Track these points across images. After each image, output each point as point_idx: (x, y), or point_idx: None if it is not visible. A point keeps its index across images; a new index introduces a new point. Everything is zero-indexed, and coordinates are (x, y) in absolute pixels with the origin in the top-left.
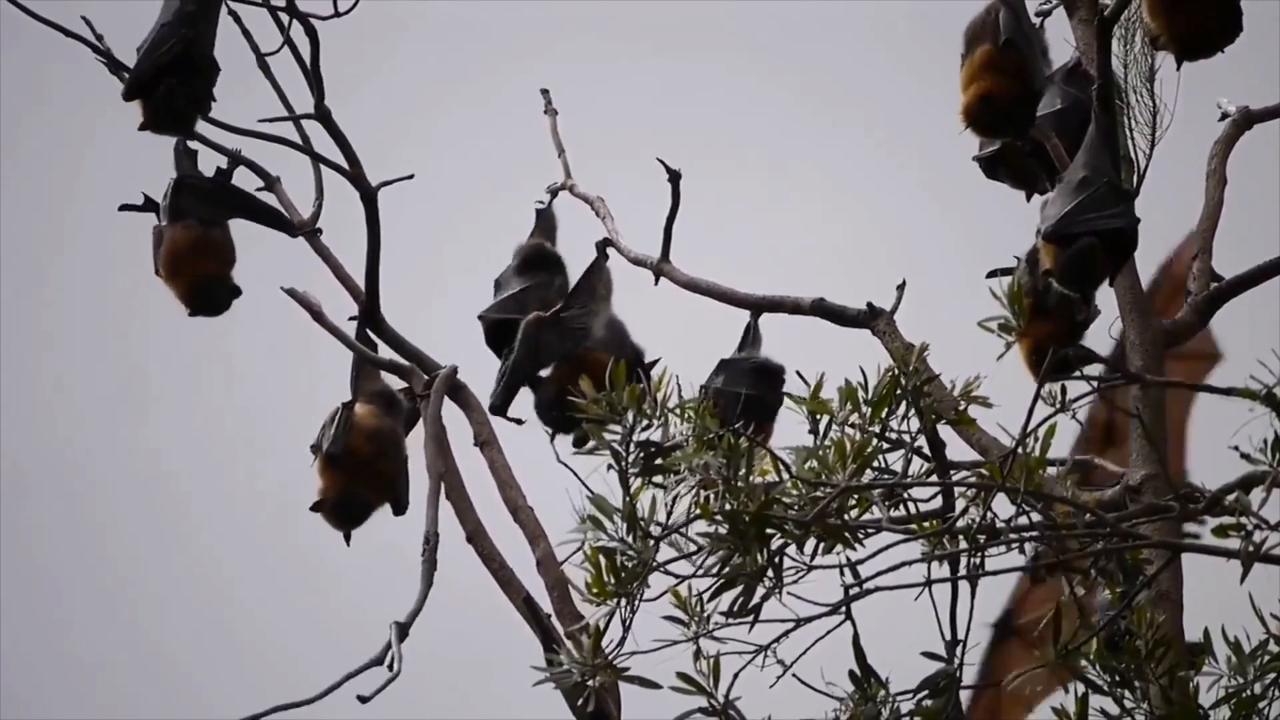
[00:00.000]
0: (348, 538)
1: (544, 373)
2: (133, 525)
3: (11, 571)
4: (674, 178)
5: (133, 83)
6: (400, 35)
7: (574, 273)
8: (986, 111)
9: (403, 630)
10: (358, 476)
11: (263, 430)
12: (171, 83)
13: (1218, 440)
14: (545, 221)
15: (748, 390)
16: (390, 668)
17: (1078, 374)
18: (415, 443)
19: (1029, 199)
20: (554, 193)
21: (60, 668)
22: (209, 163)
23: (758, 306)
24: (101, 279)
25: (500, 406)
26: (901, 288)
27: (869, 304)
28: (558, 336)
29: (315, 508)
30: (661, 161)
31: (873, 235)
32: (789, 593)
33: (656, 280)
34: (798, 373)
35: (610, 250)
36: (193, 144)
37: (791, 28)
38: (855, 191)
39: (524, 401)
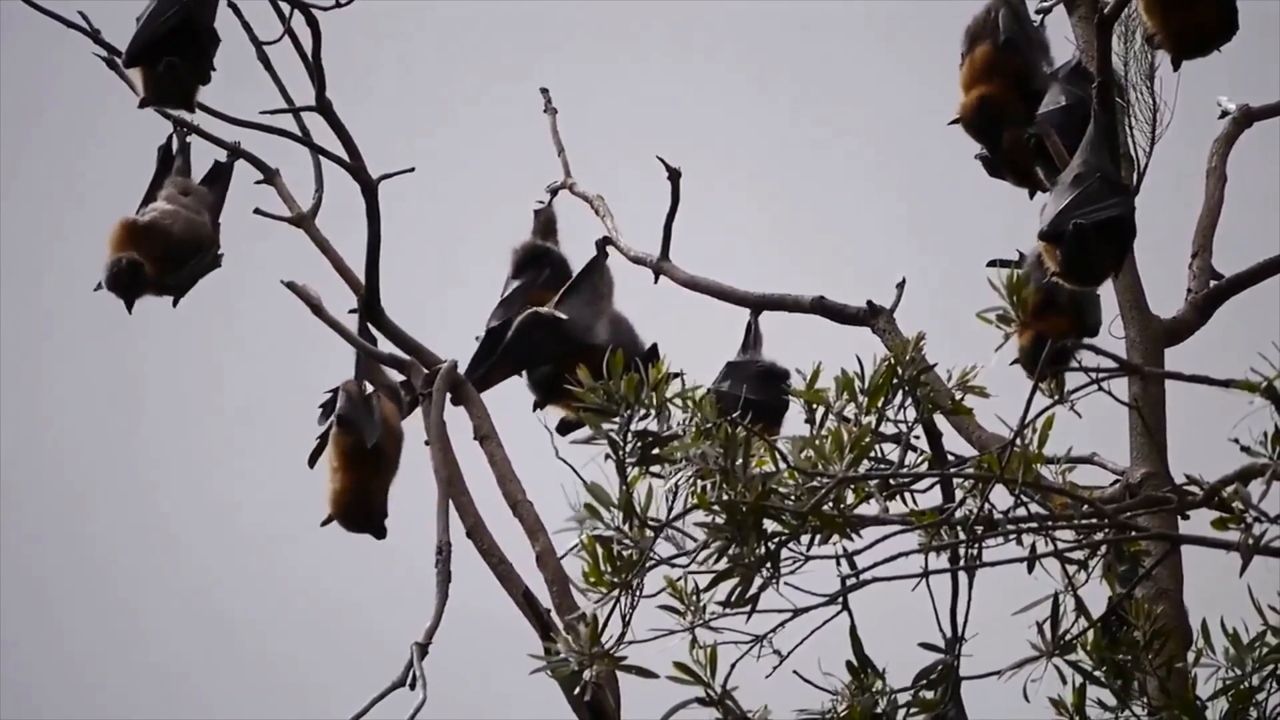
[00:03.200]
0: (327, 521)
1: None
2: (130, 525)
3: (10, 573)
4: (674, 176)
5: (133, 50)
6: (400, 28)
7: (573, 267)
8: (984, 116)
9: (423, 650)
10: (377, 475)
11: (263, 424)
12: (171, 60)
13: (1217, 433)
14: (542, 221)
15: (754, 394)
16: (412, 688)
17: (1076, 366)
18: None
19: (1031, 197)
20: (553, 192)
21: (58, 672)
22: (207, 155)
23: (758, 305)
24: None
25: (478, 385)
26: (901, 285)
27: (869, 302)
28: (549, 335)
29: (339, 502)
30: (661, 160)
31: (873, 234)
32: (786, 583)
33: (656, 278)
34: (797, 370)
35: (610, 249)
36: (190, 139)
37: (791, 28)
38: (856, 190)
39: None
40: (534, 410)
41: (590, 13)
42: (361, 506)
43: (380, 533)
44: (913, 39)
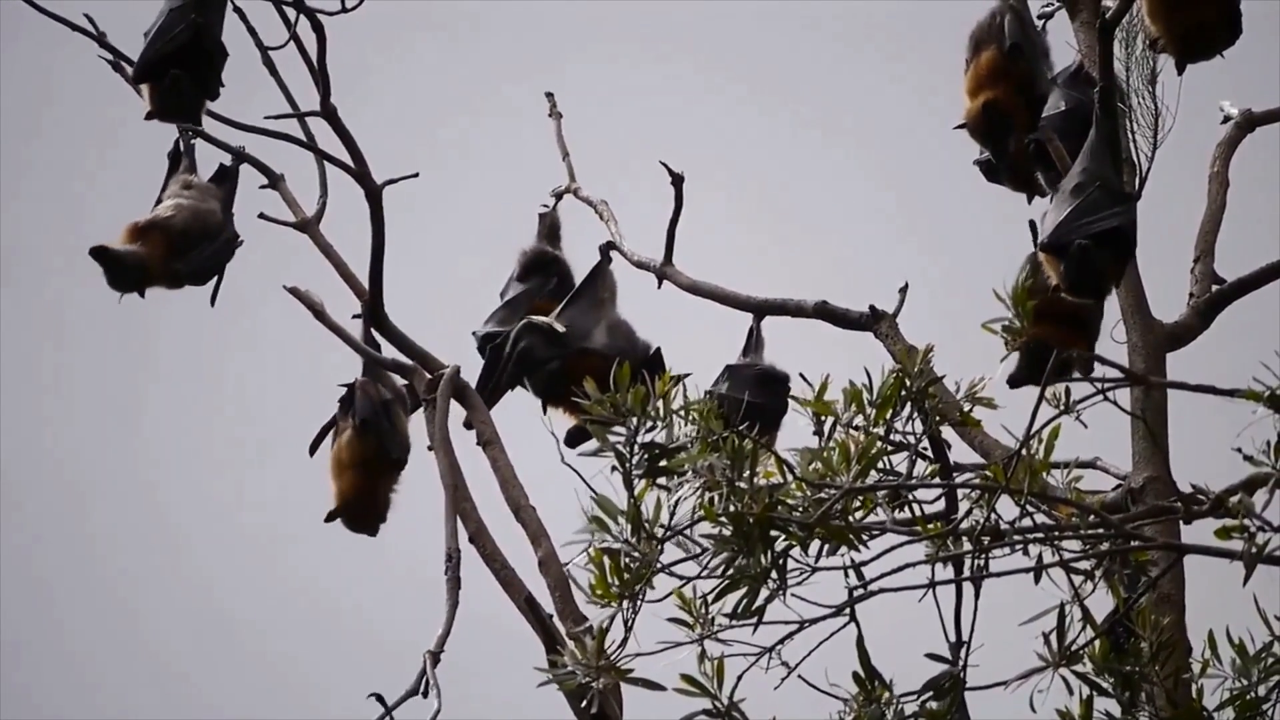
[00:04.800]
0: (331, 518)
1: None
2: (130, 525)
3: (10, 573)
4: (677, 181)
5: (141, 67)
6: (406, 33)
7: (577, 273)
8: (989, 121)
9: (435, 658)
10: (387, 481)
11: (264, 426)
12: (178, 74)
13: (1218, 436)
14: (547, 224)
15: (752, 397)
16: (425, 696)
17: (1082, 377)
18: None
19: (1029, 201)
20: (558, 196)
21: (58, 672)
22: (212, 159)
23: (760, 310)
24: (100, 281)
25: (488, 400)
26: (904, 291)
27: (871, 307)
28: (546, 345)
29: (346, 502)
30: (665, 165)
31: (874, 238)
32: (793, 594)
33: (659, 283)
34: (801, 375)
35: (613, 253)
36: (195, 140)
37: (793, 33)
38: (857, 194)
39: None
40: (544, 413)
41: (594, 19)
42: (369, 509)
43: (373, 531)
44: (914, 44)
